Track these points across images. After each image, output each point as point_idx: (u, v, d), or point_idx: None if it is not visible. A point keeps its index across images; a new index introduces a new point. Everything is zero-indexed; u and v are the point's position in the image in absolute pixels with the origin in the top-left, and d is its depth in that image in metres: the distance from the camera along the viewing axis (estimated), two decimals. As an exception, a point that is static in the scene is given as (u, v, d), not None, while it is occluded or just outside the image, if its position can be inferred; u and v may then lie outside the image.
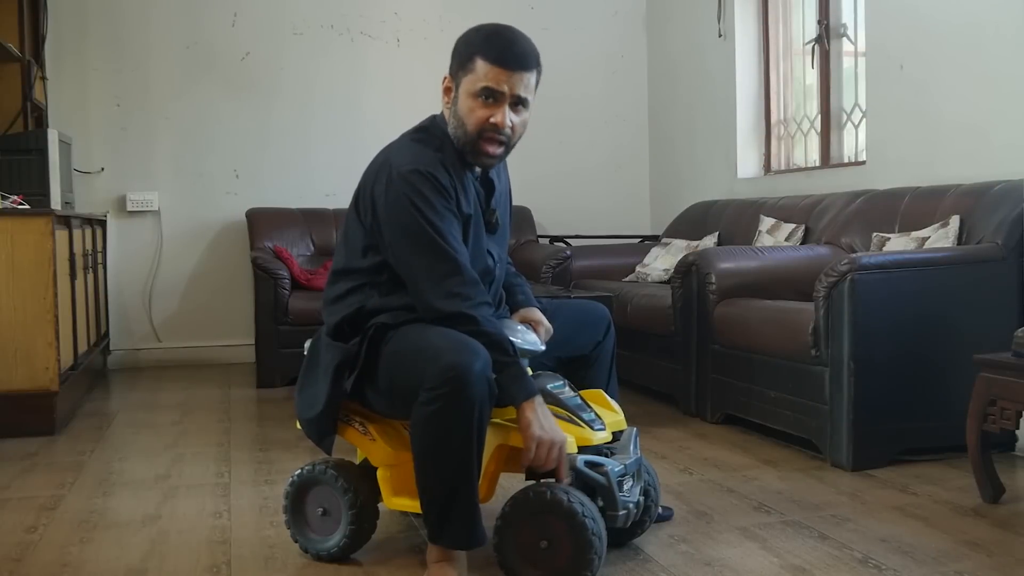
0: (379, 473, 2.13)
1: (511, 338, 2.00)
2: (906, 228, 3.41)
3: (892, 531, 2.33)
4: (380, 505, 2.19)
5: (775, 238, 4.18)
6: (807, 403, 3.04)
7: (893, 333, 2.90)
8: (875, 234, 3.51)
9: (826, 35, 4.47)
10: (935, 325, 2.94)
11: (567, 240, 5.48)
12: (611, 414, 2.19)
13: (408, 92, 5.60)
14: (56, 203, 4.18)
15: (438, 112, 2.23)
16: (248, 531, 2.42)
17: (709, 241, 4.62)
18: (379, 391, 2.07)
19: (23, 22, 4.46)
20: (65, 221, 3.86)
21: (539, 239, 5.50)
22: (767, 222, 4.30)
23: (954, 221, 3.19)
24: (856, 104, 4.27)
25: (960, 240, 3.16)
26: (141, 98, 5.23)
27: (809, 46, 4.59)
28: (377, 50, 5.56)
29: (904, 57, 3.75)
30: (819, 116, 4.56)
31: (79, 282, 4.09)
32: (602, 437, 2.07)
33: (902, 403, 2.91)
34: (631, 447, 2.11)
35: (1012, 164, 3.20)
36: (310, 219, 5.22)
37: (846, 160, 4.41)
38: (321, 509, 2.19)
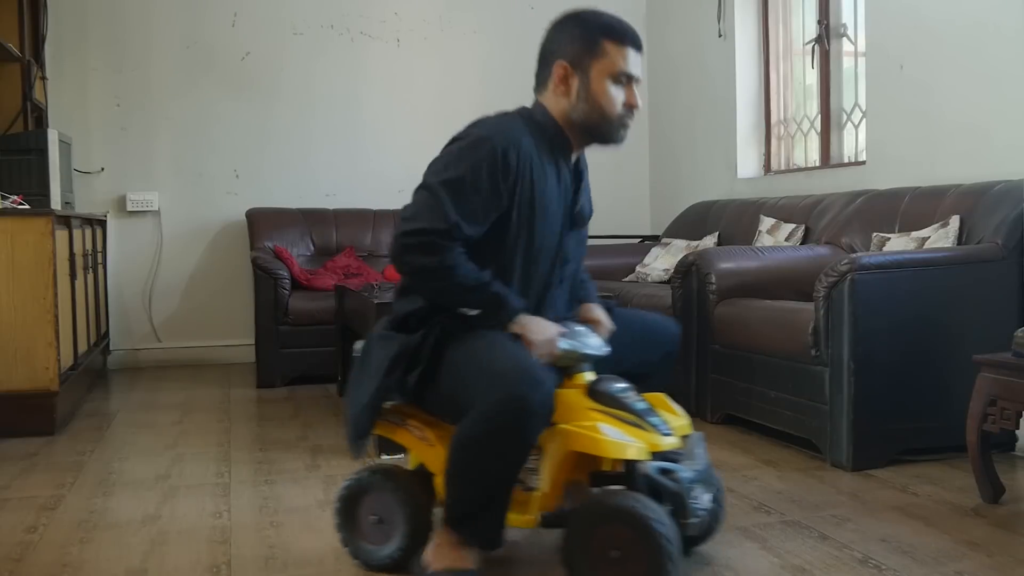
0: (438, 480, 2.02)
1: (573, 342, 1.96)
2: (906, 228, 3.41)
3: (892, 531, 2.33)
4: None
5: (775, 238, 4.18)
6: (807, 403, 3.04)
7: (893, 333, 2.90)
8: (875, 234, 3.51)
9: (826, 35, 4.47)
10: (935, 325, 2.94)
11: (567, 240, 5.48)
12: (676, 418, 2.09)
13: (408, 92, 5.61)
14: (56, 203, 4.18)
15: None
16: (248, 531, 2.42)
17: (709, 241, 4.62)
18: (438, 394, 1.98)
19: (23, 22, 4.45)
20: (65, 221, 3.86)
21: (539, 239, 5.50)
22: (767, 222, 4.30)
23: (954, 221, 3.20)
24: (856, 104, 4.27)
25: (960, 240, 3.16)
26: (141, 98, 5.24)
27: (809, 46, 4.59)
28: (377, 50, 5.56)
29: (904, 57, 3.75)
30: (819, 116, 4.56)
31: (79, 282, 4.09)
32: (671, 443, 1.97)
33: (902, 403, 2.91)
34: (699, 453, 2.03)
35: (1012, 164, 3.20)
36: (310, 219, 5.22)
37: (846, 160, 4.41)
38: (375, 517, 2.09)
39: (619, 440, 1.88)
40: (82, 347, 4.12)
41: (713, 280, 3.54)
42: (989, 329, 2.87)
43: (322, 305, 4.54)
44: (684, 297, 3.70)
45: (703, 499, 1.96)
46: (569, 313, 2.17)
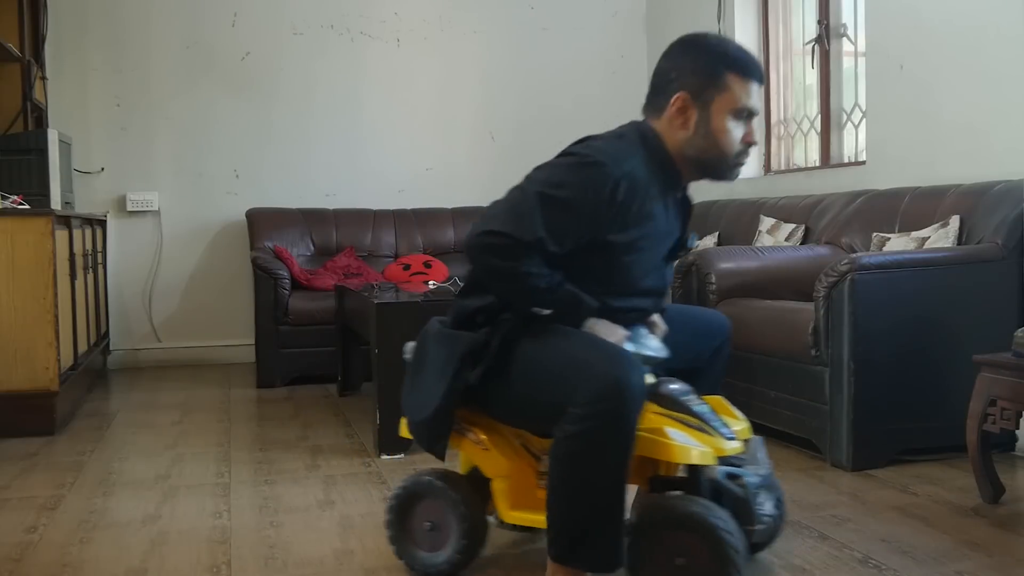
0: (495, 485, 1.98)
1: (636, 345, 1.89)
2: (906, 228, 3.41)
3: (892, 531, 2.33)
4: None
5: (775, 238, 4.18)
6: (807, 403, 3.04)
7: (893, 333, 2.89)
8: (875, 234, 3.51)
9: (826, 35, 4.47)
10: (935, 325, 2.94)
11: (567, 240, 5.48)
12: (737, 422, 2.03)
13: (408, 92, 5.61)
14: (56, 203, 4.18)
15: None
16: (248, 531, 2.42)
17: (709, 241, 4.62)
18: (507, 395, 1.89)
19: (23, 22, 4.46)
20: (65, 221, 3.86)
21: (539, 239, 5.49)
22: (767, 222, 4.30)
23: (954, 221, 3.20)
24: (856, 104, 4.27)
25: (960, 240, 3.16)
26: (141, 98, 5.24)
27: (809, 46, 4.59)
28: (377, 50, 5.56)
29: (904, 57, 3.75)
30: (819, 116, 4.56)
31: (79, 282, 4.09)
32: (734, 447, 1.91)
33: (902, 403, 2.91)
34: (761, 457, 1.97)
35: (1012, 164, 3.20)
36: (310, 219, 5.22)
37: (846, 160, 4.41)
38: (429, 524, 2.04)
39: (687, 445, 1.83)
40: (82, 347, 4.12)
41: (713, 280, 3.54)
42: (989, 329, 2.86)
43: (322, 305, 4.54)
44: (684, 297, 3.70)
45: (767, 505, 1.92)
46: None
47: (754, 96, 1.94)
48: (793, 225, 4.13)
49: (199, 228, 5.35)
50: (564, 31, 5.81)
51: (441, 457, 1.97)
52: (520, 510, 1.97)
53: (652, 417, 1.86)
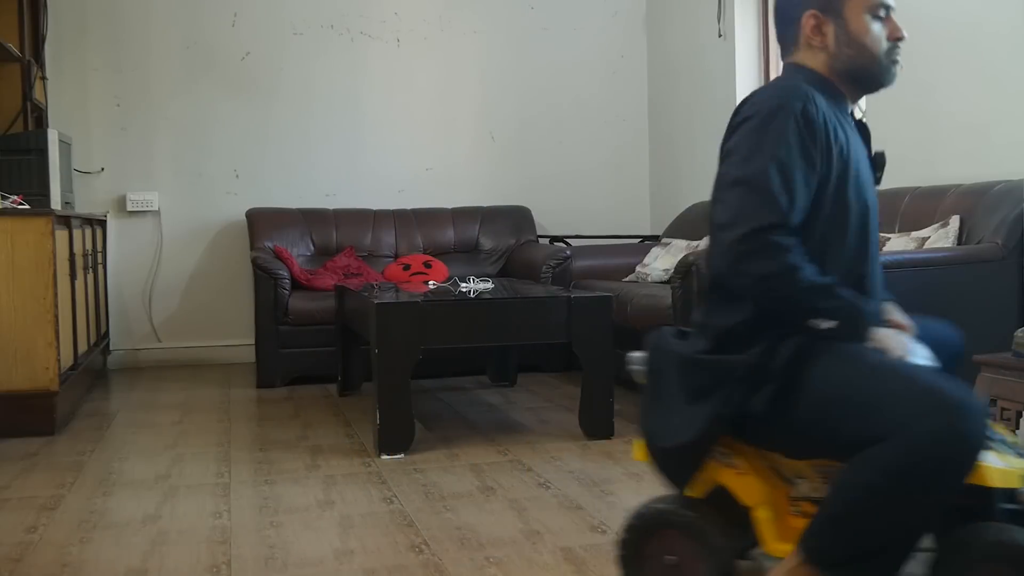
0: (757, 514, 1.74)
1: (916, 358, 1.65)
2: (906, 228, 3.41)
3: (892, 531, 2.32)
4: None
5: (775, 238, 4.17)
6: (807, 403, 3.03)
7: (893, 333, 2.89)
8: (875, 234, 3.51)
9: (826, 35, 4.47)
10: (935, 325, 2.94)
11: (567, 240, 5.49)
12: (1010, 435, 1.75)
13: (408, 92, 5.61)
14: (56, 203, 4.18)
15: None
16: (248, 531, 2.42)
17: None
18: (787, 423, 1.65)
19: (23, 22, 4.46)
20: (65, 221, 3.86)
21: (539, 239, 5.50)
22: (767, 222, 4.29)
23: (954, 221, 3.20)
24: (856, 104, 4.27)
25: (960, 240, 3.16)
26: (141, 98, 5.24)
27: (809, 46, 4.58)
28: (377, 50, 5.57)
29: (904, 57, 3.74)
30: (819, 116, 4.56)
31: (79, 282, 4.09)
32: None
33: (902, 403, 2.91)
34: None
35: (1012, 164, 3.20)
36: (310, 219, 5.22)
37: (846, 160, 4.41)
38: (673, 558, 1.78)
39: (1000, 467, 1.58)
40: (82, 347, 4.12)
41: (713, 280, 3.54)
42: (989, 329, 2.86)
43: (322, 305, 4.54)
44: (684, 297, 3.69)
45: None
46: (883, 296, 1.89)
47: None
48: (793, 225, 4.13)
49: (199, 228, 5.35)
50: (564, 31, 5.81)
51: (682, 489, 1.80)
52: (785, 541, 1.72)
53: None
